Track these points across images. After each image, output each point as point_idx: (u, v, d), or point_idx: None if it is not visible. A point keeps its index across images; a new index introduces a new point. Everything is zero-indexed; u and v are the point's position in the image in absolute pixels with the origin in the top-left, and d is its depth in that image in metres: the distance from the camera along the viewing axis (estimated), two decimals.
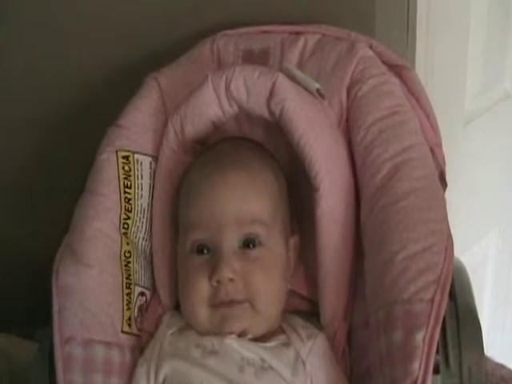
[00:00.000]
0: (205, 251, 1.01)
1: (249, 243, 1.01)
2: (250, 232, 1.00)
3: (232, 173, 1.02)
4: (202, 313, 1.01)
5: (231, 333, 0.99)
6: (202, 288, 1.00)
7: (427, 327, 0.88)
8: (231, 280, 0.98)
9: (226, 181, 1.01)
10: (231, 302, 0.99)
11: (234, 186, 1.01)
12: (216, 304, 1.00)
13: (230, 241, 1.00)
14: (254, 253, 1.01)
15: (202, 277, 1.00)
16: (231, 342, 0.98)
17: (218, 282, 0.98)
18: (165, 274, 1.10)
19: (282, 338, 1.01)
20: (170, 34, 1.26)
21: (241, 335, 1.00)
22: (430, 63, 1.31)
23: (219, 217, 1.00)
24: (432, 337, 0.87)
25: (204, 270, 1.00)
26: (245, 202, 1.01)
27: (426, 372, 0.86)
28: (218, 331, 0.99)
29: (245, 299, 1.00)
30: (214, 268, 0.99)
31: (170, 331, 1.04)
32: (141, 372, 1.00)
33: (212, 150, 1.09)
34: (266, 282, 1.01)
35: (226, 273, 0.98)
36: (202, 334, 1.01)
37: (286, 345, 1.00)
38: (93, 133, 1.10)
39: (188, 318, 1.03)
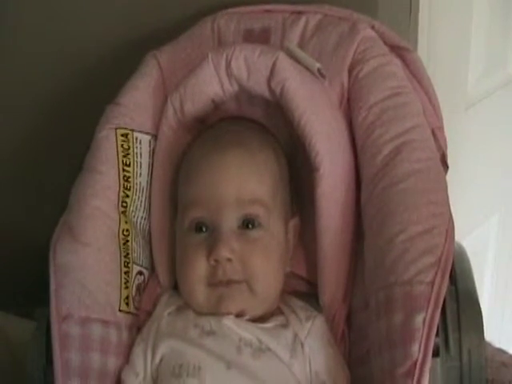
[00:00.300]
0: (203, 229, 1.01)
1: (248, 223, 1.00)
2: (249, 212, 1.00)
3: (232, 152, 1.01)
4: (199, 292, 1.00)
5: (228, 313, 0.99)
6: (199, 267, 1.00)
7: (427, 309, 0.87)
8: (229, 260, 0.98)
9: (225, 160, 1.01)
10: (229, 282, 0.99)
11: (234, 165, 1.01)
12: (214, 283, 0.99)
13: (229, 221, 0.99)
14: (253, 233, 1.00)
15: (200, 255, 0.99)
16: (229, 322, 0.98)
17: (216, 261, 0.98)
18: (163, 254, 1.10)
19: (280, 319, 1.01)
20: (170, 12, 1.25)
21: (238, 316, 0.99)
22: (433, 46, 1.30)
23: (219, 196, 0.99)
24: (432, 319, 0.87)
25: (202, 248, 1.00)
26: (245, 182, 1.01)
27: (425, 354, 0.86)
28: (215, 311, 0.99)
29: (242, 280, 0.99)
30: (212, 247, 0.98)
31: (168, 311, 1.04)
32: (138, 351, 1.01)
33: (212, 129, 1.09)
34: (265, 264, 1.00)
35: (224, 252, 0.97)
36: (200, 313, 1.01)
37: (285, 326, 1.00)
38: (93, 111, 1.09)
39: (186, 296, 1.03)
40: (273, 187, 1.03)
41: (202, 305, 1.01)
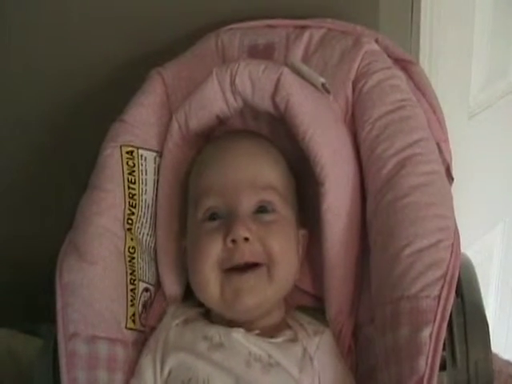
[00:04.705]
0: (218, 218, 1.00)
1: (263, 209, 1.00)
2: (264, 198, 1.00)
3: (246, 142, 1.04)
4: (213, 282, 0.99)
5: (245, 309, 0.98)
6: (214, 250, 0.98)
7: (434, 324, 0.88)
8: (246, 240, 0.97)
9: (240, 148, 1.03)
10: (246, 267, 0.98)
11: (249, 152, 1.03)
12: (230, 267, 0.98)
13: (245, 205, 0.99)
14: (269, 217, 1.00)
15: (216, 240, 0.98)
16: (238, 335, 0.98)
17: (234, 241, 0.97)
18: (169, 266, 1.10)
19: (288, 333, 1.00)
20: (174, 29, 1.25)
21: (248, 329, 0.99)
22: (435, 56, 1.30)
23: (234, 182, 1.00)
24: (438, 333, 0.87)
25: (218, 232, 0.99)
26: (260, 168, 1.02)
27: (432, 369, 0.86)
28: (231, 307, 0.98)
29: (263, 262, 0.99)
30: (229, 229, 0.97)
31: (176, 322, 1.03)
32: (146, 362, 1.00)
33: (219, 137, 1.10)
34: (283, 245, 1.00)
35: (243, 231, 0.96)
36: (210, 322, 1.01)
37: (293, 341, 0.99)
38: (98, 128, 1.09)
39: (199, 291, 1.02)
40: (284, 179, 1.04)
41: (216, 299, 1.00)
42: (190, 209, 1.05)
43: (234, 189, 0.99)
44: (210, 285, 0.99)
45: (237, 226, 0.96)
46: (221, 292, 0.99)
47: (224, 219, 0.99)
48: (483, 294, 0.96)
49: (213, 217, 1.00)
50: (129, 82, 1.12)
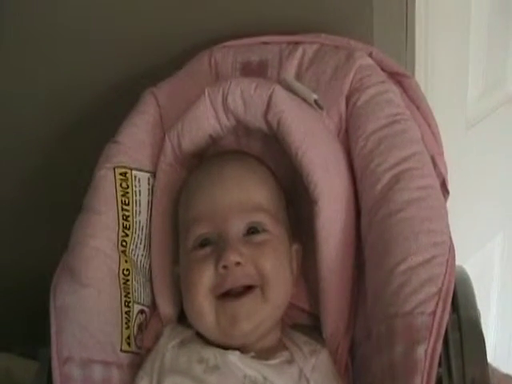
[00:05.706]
0: (208, 245, 1.00)
1: (253, 230, 0.99)
2: (253, 220, 0.99)
3: (232, 165, 1.03)
4: (208, 309, 0.98)
5: (243, 333, 0.97)
6: (206, 277, 0.97)
7: (429, 341, 0.87)
8: (238, 264, 0.96)
9: (226, 173, 1.02)
10: (240, 292, 0.97)
11: (235, 176, 1.01)
12: (224, 293, 0.97)
13: (235, 229, 0.98)
14: (260, 237, 0.99)
15: (207, 266, 0.97)
16: (234, 358, 0.96)
17: (225, 267, 0.96)
18: (164, 287, 1.09)
19: (284, 354, 0.99)
20: (167, 48, 1.26)
21: (244, 351, 0.97)
22: (431, 66, 1.30)
23: (222, 207, 0.99)
24: (434, 350, 0.87)
25: (209, 259, 0.98)
26: (247, 191, 1.01)
27: None
28: (228, 333, 0.97)
29: (255, 284, 0.98)
30: (219, 255, 0.96)
31: (172, 344, 1.02)
32: None
33: (208, 160, 1.09)
34: (275, 264, 0.99)
35: (233, 257, 0.96)
36: (206, 344, 1.00)
37: (289, 362, 0.98)
38: (92, 149, 1.09)
39: (194, 320, 1.01)
40: (274, 197, 1.04)
41: (212, 327, 0.99)
42: (181, 237, 1.05)
43: (222, 214, 0.99)
44: (205, 313, 0.98)
45: (227, 251, 0.96)
46: (216, 320, 0.98)
47: (215, 245, 0.99)
48: (483, 306, 0.95)
49: (204, 243, 1.00)
50: (122, 103, 1.12)
